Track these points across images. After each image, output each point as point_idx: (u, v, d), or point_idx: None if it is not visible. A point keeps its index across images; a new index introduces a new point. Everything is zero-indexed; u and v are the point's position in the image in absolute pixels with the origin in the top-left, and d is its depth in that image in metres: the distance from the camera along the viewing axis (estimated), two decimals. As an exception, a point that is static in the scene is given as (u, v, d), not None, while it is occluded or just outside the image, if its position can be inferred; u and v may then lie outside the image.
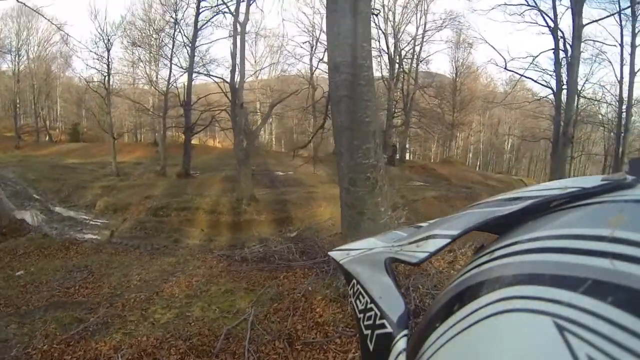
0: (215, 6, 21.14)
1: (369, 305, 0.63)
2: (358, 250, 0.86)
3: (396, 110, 30.47)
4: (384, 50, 29.60)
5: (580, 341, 0.31)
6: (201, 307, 6.19)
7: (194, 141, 29.43)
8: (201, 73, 23.03)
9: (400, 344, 0.51)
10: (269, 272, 7.81)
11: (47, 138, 36.70)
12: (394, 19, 29.05)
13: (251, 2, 18.58)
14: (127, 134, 39.22)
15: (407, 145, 35.95)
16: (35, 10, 17.82)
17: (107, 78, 23.44)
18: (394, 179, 22.21)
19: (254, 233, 12.08)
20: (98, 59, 23.57)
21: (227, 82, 18.95)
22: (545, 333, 0.33)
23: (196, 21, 22.00)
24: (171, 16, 23.27)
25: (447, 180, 27.15)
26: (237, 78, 18.19)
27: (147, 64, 27.82)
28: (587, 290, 0.33)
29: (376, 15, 19.48)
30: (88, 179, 20.04)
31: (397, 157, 30.16)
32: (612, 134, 25.47)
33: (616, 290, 0.31)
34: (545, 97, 24.49)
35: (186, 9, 22.85)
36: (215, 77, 21.36)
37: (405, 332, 0.52)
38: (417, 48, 30.72)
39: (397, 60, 29.58)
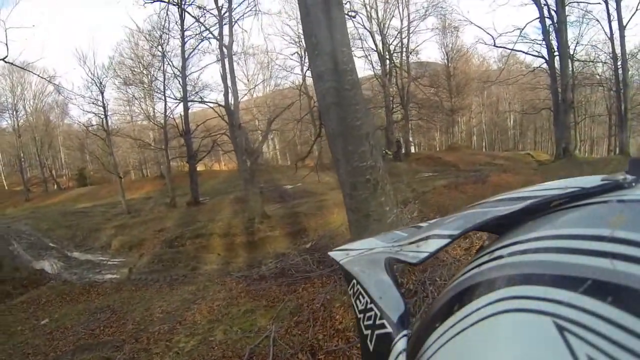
0: (198, 33, 21.28)
1: (369, 306, 0.64)
2: (358, 251, 0.88)
3: (394, 106, 30.37)
4: (372, 49, 29.72)
5: (580, 341, 0.30)
6: (223, 330, 6.24)
7: (200, 168, 29.53)
8: (195, 101, 23.13)
9: (400, 344, 0.52)
10: (287, 287, 7.82)
11: (55, 186, 37.07)
12: (378, 15, 29.09)
13: (233, 24, 18.75)
14: (133, 171, 39.52)
15: (410, 138, 35.74)
16: (23, 68, 18.10)
17: (104, 120, 23.72)
18: (401, 174, 22.13)
19: (269, 250, 12.07)
20: (93, 103, 23.75)
21: (222, 105, 19.04)
22: (545, 333, 0.33)
23: (183, 51, 22.10)
24: (158, 50, 23.45)
25: (455, 166, 26.95)
26: (231, 100, 18.29)
27: (142, 100, 28.05)
28: (587, 290, 0.33)
29: (353, 18, 19.42)
30: (100, 220, 20.22)
31: (403, 152, 30.03)
32: (611, 92, 25.04)
33: (616, 290, 0.31)
34: (539, 67, 24.34)
35: (168, 40, 22.97)
36: (210, 102, 21.47)
37: (405, 332, 0.53)
38: (405, 40, 30.58)
39: (387, 56, 29.55)
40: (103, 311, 8.92)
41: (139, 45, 25.49)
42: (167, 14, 20.87)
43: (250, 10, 19.63)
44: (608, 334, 0.29)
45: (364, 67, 30.20)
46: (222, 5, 18.82)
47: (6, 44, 9.36)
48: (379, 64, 29.92)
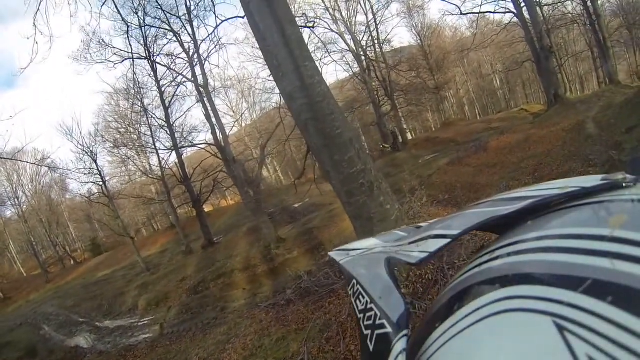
0: (173, 80, 21.46)
1: (369, 306, 0.65)
2: (358, 251, 0.89)
3: (381, 99, 30.38)
4: (345, 50, 29.92)
5: (580, 341, 0.31)
6: (259, 364, 6.22)
7: (208, 208, 29.58)
8: (186, 146, 23.29)
9: (400, 344, 0.52)
10: (314, 304, 7.79)
11: (72, 262, 37.23)
12: (342, 16, 29.16)
13: (203, 62, 18.90)
14: (143, 228, 39.73)
15: (404, 126, 35.67)
16: (13, 159, 18.24)
17: (103, 186, 23.83)
18: (403, 163, 22.09)
19: (290, 273, 12.02)
20: (89, 173, 23.85)
21: (212, 144, 19.15)
22: (545, 333, 0.33)
23: (162, 100, 22.18)
24: (138, 106, 23.60)
25: (454, 141, 26.80)
26: (220, 136, 18.41)
27: (135, 158, 28.16)
28: (587, 290, 0.34)
29: (312, 28, 19.48)
30: (122, 284, 20.28)
31: (400, 141, 29.96)
32: (587, 26, 24.95)
33: (616, 290, 0.32)
34: (510, 22, 24.32)
35: (143, 94, 23.09)
36: (200, 144, 21.66)
37: (405, 332, 0.53)
38: (375, 33, 30.61)
39: (361, 53, 29.63)
40: (143, 374, 8.96)
41: (120, 106, 25.76)
42: (133, 70, 21.04)
43: (216, 45, 19.77)
44: (608, 334, 0.29)
45: (336, 70, 30.38)
46: (189, 47, 19.04)
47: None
48: (356, 63, 30.06)
